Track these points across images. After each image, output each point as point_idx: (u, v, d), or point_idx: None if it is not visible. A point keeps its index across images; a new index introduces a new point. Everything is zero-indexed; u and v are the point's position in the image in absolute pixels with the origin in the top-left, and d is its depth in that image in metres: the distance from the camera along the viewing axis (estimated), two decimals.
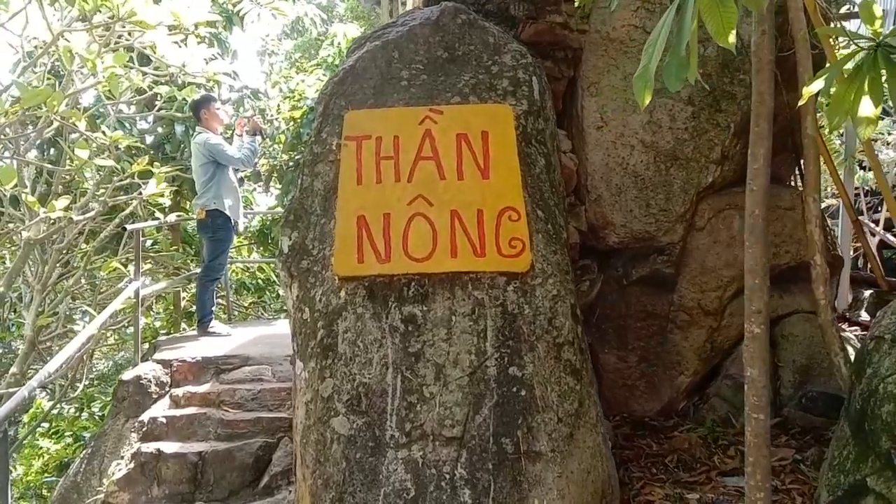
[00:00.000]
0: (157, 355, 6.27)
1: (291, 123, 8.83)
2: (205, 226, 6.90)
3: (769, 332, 5.17)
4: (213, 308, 7.33)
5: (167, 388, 5.99)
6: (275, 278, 11.56)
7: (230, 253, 7.43)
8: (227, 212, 6.81)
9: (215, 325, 7.15)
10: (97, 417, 10.99)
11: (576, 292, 3.76)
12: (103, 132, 5.97)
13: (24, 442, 11.03)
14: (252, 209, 11.65)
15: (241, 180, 7.45)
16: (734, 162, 5.11)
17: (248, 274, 11.41)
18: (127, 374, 5.87)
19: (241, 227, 7.47)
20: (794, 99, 5.13)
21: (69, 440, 11.22)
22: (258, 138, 7.07)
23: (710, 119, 4.99)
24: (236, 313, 10.60)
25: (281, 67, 11.68)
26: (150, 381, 5.90)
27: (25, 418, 12.72)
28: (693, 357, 5.02)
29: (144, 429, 5.57)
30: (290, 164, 9.07)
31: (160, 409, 5.78)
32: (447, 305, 3.49)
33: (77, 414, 10.86)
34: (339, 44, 9.98)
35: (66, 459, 11.34)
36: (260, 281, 11.47)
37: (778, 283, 5.18)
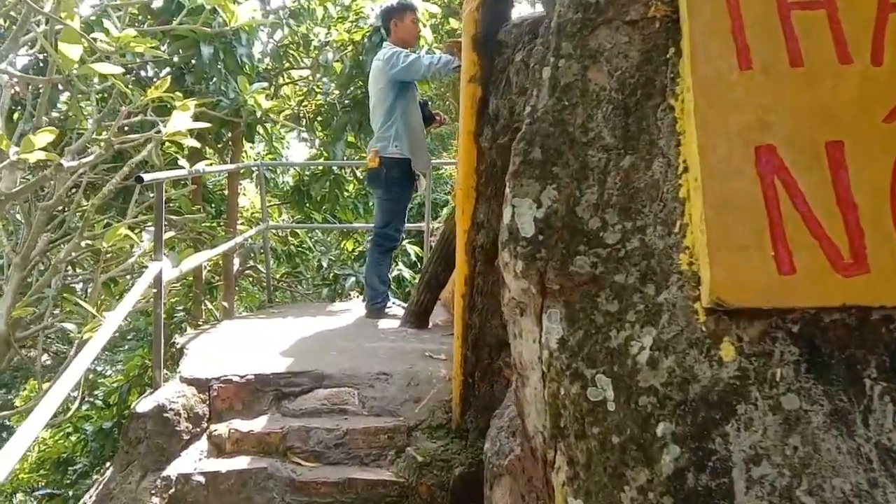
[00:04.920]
0: (186, 368, 3.97)
1: (350, 49, 6.41)
2: (376, 177, 4.98)
3: None
4: (385, 289, 5.31)
5: (204, 423, 3.71)
6: (309, 244, 9.21)
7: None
8: (409, 155, 4.87)
9: (393, 307, 5.29)
10: (100, 405, 8.74)
11: None
12: (106, 31, 3.60)
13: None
14: (284, 160, 9.31)
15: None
16: None
17: (278, 239, 9.05)
18: (143, 404, 3.57)
19: (421, 187, 5.30)
20: None
21: (69, 430, 9.02)
22: (454, 59, 4.64)
23: None
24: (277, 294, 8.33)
25: None
26: (179, 415, 3.61)
27: (18, 402, 10.49)
28: None
29: (172, 491, 3.35)
30: (346, 101, 6.67)
31: (194, 459, 3.52)
32: None
33: (77, 404, 8.57)
34: None
35: (65, 455, 9.18)
36: (293, 247, 9.13)
37: None
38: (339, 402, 3.78)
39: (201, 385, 3.76)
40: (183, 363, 4.11)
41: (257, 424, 3.59)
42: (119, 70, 3.12)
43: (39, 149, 3.62)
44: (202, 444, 3.61)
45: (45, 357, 9.29)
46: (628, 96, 1.52)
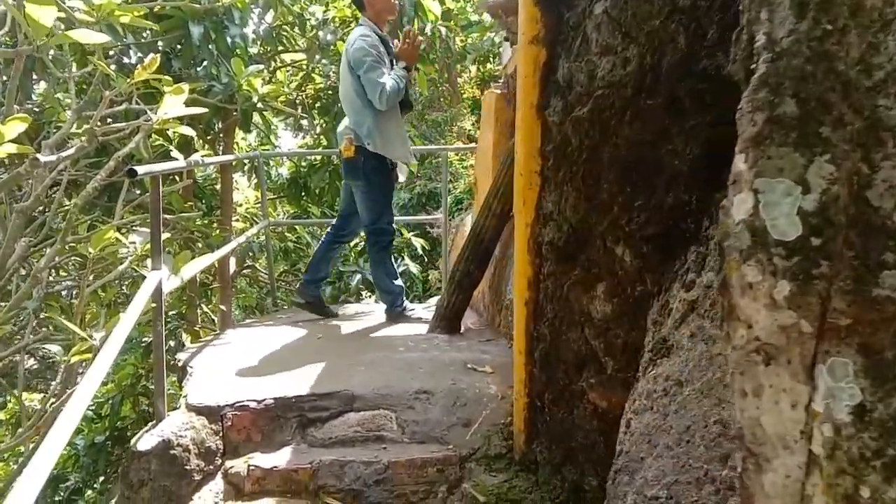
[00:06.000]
0: (193, 392, 3.35)
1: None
2: (353, 168, 4.38)
3: None
4: (399, 284, 4.75)
5: (218, 460, 3.10)
6: (309, 240, 8.55)
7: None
8: (384, 153, 4.30)
9: (416, 309, 4.79)
10: (91, 416, 8.06)
11: None
12: None
13: None
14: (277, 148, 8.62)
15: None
16: None
17: (275, 235, 8.38)
18: (144, 441, 2.94)
19: (402, 177, 4.67)
20: None
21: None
22: (408, 74, 4.26)
23: None
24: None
25: None
26: (188, 451, 3.00)
27: (1, 415, 9.76)
28: None
29: None
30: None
31: None
32: None
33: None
34: None
35: (55, 471, 8.50)
36: (290, 244, 8.49)
37: None
38: (375, 427, 3.18)
39: (212, 413, 3.15)
40: (188, 386, 3.49)
41: (281, 458, 2.99)
42: (103, 38, 2.47)
43: (10, 141, 2.96)
44: (217, 484, 3.02)
45: (31, 361, 8.59)
46: None
